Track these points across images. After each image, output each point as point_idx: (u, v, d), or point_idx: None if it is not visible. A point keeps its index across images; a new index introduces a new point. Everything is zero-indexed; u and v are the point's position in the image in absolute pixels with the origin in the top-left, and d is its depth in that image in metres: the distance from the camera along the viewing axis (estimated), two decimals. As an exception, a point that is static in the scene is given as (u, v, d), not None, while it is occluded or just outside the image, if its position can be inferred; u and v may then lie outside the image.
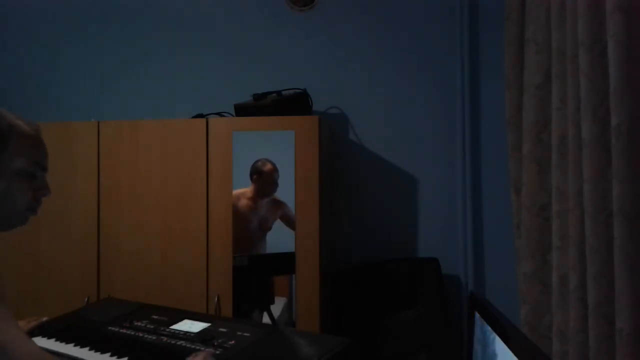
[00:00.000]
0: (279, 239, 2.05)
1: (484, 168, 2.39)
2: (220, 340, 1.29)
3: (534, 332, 1.87)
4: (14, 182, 1.07)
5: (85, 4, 2.72)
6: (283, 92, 2.25)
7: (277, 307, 2.08)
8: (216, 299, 2.04)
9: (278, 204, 2.06)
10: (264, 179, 2.05)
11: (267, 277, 2.09)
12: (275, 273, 2.09)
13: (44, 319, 1.49)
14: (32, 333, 1.40)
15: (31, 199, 1.11)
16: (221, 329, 1.37)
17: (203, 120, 2.11)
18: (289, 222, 2.03)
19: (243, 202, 2.06)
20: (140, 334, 1.37)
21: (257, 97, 2.23)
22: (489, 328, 1.54)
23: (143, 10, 2.67)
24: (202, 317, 1.48)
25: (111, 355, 1.29)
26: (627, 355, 1.33)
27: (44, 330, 1.43)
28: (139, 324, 1.44)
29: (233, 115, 2.26)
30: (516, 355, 1.21)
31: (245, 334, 1.33)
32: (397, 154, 2.46)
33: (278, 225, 2.06)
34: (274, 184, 2.05)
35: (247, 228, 2.06)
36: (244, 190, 2.06)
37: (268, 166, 2.05)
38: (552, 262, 1.75)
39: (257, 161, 2.05)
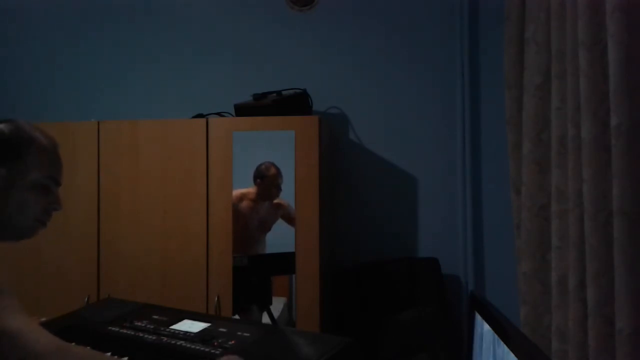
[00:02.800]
0: (279, 239, 2.05)
1: (484, 168, 2.40)
2: (220, 340, 1.29)
3: (534, 332, 1.87)
4: (28, 194, 1.09)
5: (85, 4, 2.72)
6: (283, 92, 2.25)
7: (277, 307, 2.08)
8: (216, 299, 2.04)
9: (278, 205, 2.06)
10: (267, 183, 2.05)
11: (266, 277, 2.09)
12: (275, 273, 2.09)
13: (43, 318, 1.49)
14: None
15: (42, 212, 1.13)
16: (221, 329, 1.36)
17: (203, 120, 2.11)
18: (291, 220, 2.03)
19: (245, 203, 2.06)
20: (140, 334, 1.37)
21: (257, 97, 2.23)
22: (489, 328, 1.54)
23: (143, 10, 2.67)
24: (202, 317, 1.48)
25: (111, 355, 1.29)
26: (627, 355, 1.33)
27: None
28: (139, 324, 1.43)
29: (233, 115, 2.26)
30: (516, 355, 1.21)
31: (245, 334, 1.33)
32: (397, 154, 2.47)
33: (278, 225, 2.06)
34: (277, 189, 2.05)
35: (247, 228, 2.06)
36: (247, 190, 2.06)
37: (272, 171, 2.04)
38: (552, 262, 1.75)
39: (261, 164, 2.05)
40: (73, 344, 1.16)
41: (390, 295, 2.24)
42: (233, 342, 1.28)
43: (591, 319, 1.45)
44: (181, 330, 1.38)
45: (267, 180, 2.05)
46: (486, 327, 1.55)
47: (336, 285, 2.30)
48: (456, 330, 2.34)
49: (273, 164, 2.04)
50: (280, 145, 2.04)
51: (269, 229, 2.06)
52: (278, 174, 2.04)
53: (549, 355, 1.64)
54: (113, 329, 1.42)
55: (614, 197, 1.37)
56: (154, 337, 1.34)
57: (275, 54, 2.55)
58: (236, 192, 2.06)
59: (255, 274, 2.07)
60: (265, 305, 2.05)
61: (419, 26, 2.46)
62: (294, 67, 2.52)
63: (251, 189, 2.06)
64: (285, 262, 2.02)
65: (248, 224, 2.06)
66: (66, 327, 1.45)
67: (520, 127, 2.05)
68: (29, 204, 1.09)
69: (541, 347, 1.69)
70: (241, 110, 2.22)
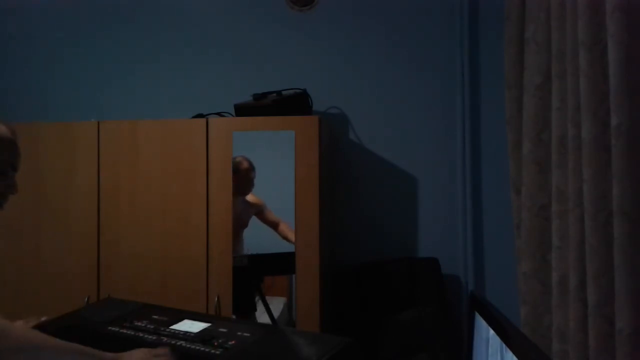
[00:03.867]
0: (279, 239, 2.05)
1: (484, 168, 2.40)
2: (220, 341, 1.29)
3: (534, 332, 1.88)
4: None
5: (85, 4, 2.72)
6: (283, 92, 2.25)
7: (277, 307, 2.08)
8: (216, 299, 2.04)
9: (251, 203, 2.07)
10: (239, 177, 2.05)
11: (257, 278, 2.09)
12: (275, 273, 2.09)
13: (43, 318, 1.49)
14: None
15: None
16: (221, 329, 1.37)
17: (203, 120, 2.11)
18: (265, 220, 2.04)
19: None
20: (140, 334, 1.37)
21: (257, 97, 2.23)
22: (489, 328, 1.54)
23: (143, 10, 2.67)
24: (202, 317, 1.48)
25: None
26: (627, 355, 1.33)
27: (44, 330, 1.43)
28: (139, 324, 1.44)
29: (233, 115, 2.26)
30: (516, 355, 1.21)
31: (246, 334, 1.33)
32: (397, 154, 2.47)
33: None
34: (249, 183, 2.05)
35: None
36: None
37: (244, 165, 2.04)
38: (552, 262, 1.76)
39: (235, 158, 2.05)
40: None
41: (390, 295, 2.24)
42: (233, 342, 1.28)
43: (591, 319, 1.45)
44: (181, 330, 1.38)
45: (239, 174, 2.05)
46: (492, 332, 1.54)
47: (336, 285, 2.30)
48: (456, 330, 2.34)
49: (246, 158, 2.05)
50: (280, 145, 2.04)
51: (246, 225, 2.07)
52: (250, 168, 2.04)
53: (549, 355, 1.65)
54: (113, 329, 1.42)
55: (614, 197, 1.37)
56: (154, 337, 1.34)
57: (275, 54, 2.55)
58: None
59: (254, 274, 2.07)
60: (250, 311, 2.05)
61: (419, 26, 2.46)
62: (294, 67, 2.52)
63: None
64: (285, 262, 2.02)
65: None
66: (66, 327, 1.45)
67: (520, 127, 2.05)
68: None
69: (541, 347, 1.69)
70: (241, 110, 2.22)
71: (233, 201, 2.04)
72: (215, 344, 1.28)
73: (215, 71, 2.59)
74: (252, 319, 2.04)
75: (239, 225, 2.07)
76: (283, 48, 2.55)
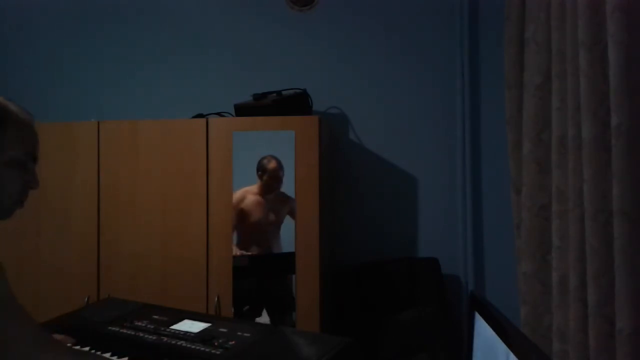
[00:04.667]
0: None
1: (484, 168, 2.40)
2: (220, 341, 1.29)
3: (534, 332, 1.88)
4: (6, 171, 1.03)
5: (85, 4, 2.72)
6: (283, 92, 2.25)
7: (277, 307, 2.07)
8: (216, 299, 2.04)
9: (286, 199, 2.06)
10: (268, 176, 2.06)
11: (268, 278, 2.09)
12: (275, 273, 2.09)
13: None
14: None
15: (20, 190, 1.08)
16: (221, 329, 1.37)
17: (203, 120, 2.11)
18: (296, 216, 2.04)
19: (250, 199, 2.06)
20: (141, 334, 1.37)
21: (257, 97, 2.23)
22: (489, 328, 1.54)
23: (143, 10, 2.67)
24: (202, 317, 1.48)
25: (111, 355, 1.29)
26: (627, 355, 1.33)
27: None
28: (139, 324, 1.44)
29: (233, 115, 2.26)
30: (516, 355, 1.21)
31: (246, 334, 1.33)
32: (397, 154, 2.47)
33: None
34: (278, 181, 2.05)
35: (259, 223, 2.06)
36: (246, 188, 2.06)
37: (272, 164, 2.05)
38: (552, 262, 1.76)
39: (263, 158, 2.06)
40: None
41: (390, 295, 2.24)
42: (233, 342, 1.28)
43: (591, 319, 1.45)
44: (181, 330, 1.38)
45: (268, 173, 2.05)
46: (486, 327, 1.54)
47: (336, 285, 2.30)
48: (456, 330, 2.34)
49: (274, 157, 2.05)
50: (280, 145, 2.04)
51: (282, 221, 2.07)
52: (278, 167, 2.05)
53: (549, 355, 1.65)
54: (113, 329, 1.42)
55: (614, 197, 1.37)
56: (154, 337, 1.34)
57: (275, 54, 2.55)
58: (236, 193, 2.06)
59: (256, 274, 2.07)
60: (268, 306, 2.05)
61: (419, 26, 2.46)
62: (294, 67, 2.52)
63: (253, 186, 2.07)
64: (285, 262, 2.02)
65: (258, 219, 2.06)
66: (66, 327, 1.45)
67: (520, 127, 2.05)
68: (6, 182, 1.04)
69: (541, 347, 1.69)
70: (241, 110, 2.22)
71: (264, 200, 2.05)
72: (216, 344, 1.28)
73: (215, 71, 2.59)
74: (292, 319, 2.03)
75: (275, 222, 2.07)
76: (283, 48, 2.55)
